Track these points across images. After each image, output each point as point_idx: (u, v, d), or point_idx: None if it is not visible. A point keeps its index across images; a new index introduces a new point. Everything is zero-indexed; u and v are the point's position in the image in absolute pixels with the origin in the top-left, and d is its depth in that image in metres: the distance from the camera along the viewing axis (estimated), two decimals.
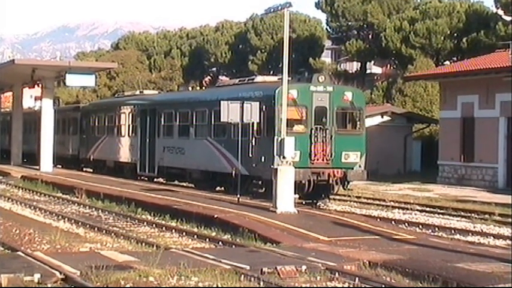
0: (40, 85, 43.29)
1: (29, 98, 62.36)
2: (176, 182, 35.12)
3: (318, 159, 26.53)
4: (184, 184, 34.15)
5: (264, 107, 26.45)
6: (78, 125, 47.12)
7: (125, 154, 39.57)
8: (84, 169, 45.72)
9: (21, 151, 48.48)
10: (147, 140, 36.21)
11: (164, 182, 36.01)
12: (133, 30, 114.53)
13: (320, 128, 26.72)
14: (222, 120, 25.45)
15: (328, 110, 27.10)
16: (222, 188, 30.51)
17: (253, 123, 26.37)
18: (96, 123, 44.20)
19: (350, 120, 28.10)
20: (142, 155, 36.84)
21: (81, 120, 46.86)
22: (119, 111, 41.09)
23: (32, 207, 26.75)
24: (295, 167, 25.00)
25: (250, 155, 27.32)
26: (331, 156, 26.69)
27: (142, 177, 37.42)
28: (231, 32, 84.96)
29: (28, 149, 48.97)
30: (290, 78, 30.24)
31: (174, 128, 34.22)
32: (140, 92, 44.38)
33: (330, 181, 26.73)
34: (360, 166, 27.30)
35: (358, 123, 28.20)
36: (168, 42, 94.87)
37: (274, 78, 30.84)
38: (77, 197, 29.67)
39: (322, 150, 26.56)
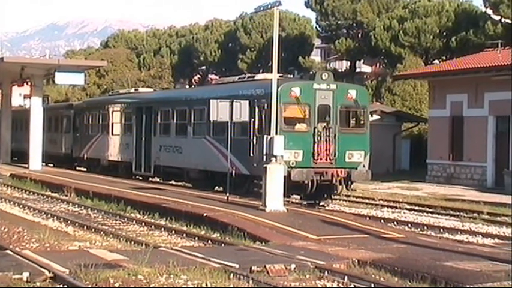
0: (29, 83, 43.15)
1: (18, 96, 62.21)
2: (173, 182, 34.34)
3: (321, 159, 25.68)
4: (181, 184, 33.43)
5: (266, 105, 25.60)
6: (71, 123, 46.45)
7: (119, 153, 38.77)
8: (78, 168, 45.01)
9: (10, 149, 48.33)
10: (143, 139, 35.50)
11: (161, 181, 35.33)
12: (123, 29, 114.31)
13: (323, 126, 25.89)
14: (211, 119, 25.34)
15: (331, 108, 26.29)
16: (221, 188, 29.49)
17: (254, 122, 25.92)
18: (90, 122, 43.27)
19: (354, 118, 27.50)
20: (137, 154, 36.05)
21: (75, 118, 46.10)
22: (113, 109, 40.38)
23: (21, 206, 26.66)
24: (298, 167, 24.80)
25: (252, 154, 26.41)
26: (334, 155, 25.88)
27: (137, 177, 36.72)
28: (221, 31, 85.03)
29: (19, 147, 48.67)
30: (291, 76, 29.87)
31: (171, 127, 33.46)
32: (135, 89, 43.67)
33: (334, 181, 25.89)
34: (363, 166, 26.57)
35: (362, 121, 27.47)
36: (158, 40, 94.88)
37: (276, 76, 30.40)
38: (66, 196, 29.60)
39: (326, 150, 25.76)
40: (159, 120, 34.54)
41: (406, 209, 28.34)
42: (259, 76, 30.71)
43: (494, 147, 38.22)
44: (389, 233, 18.86)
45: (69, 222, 22.27)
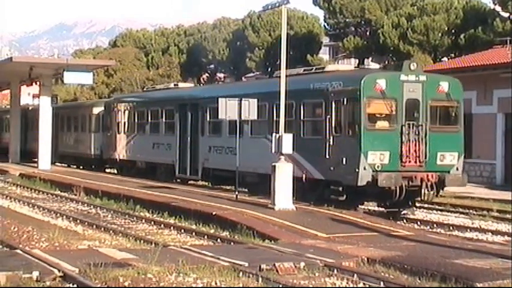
0: (38, 83, 43.26)
1: (27, 95, 62.41)
2: (222, 187, 31.44)
3: (409, 161, 22.83)
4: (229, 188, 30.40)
5: (345, 99, 23.24)
6: (101, 122, 43.71)
7: (159, 154, 35.34)
8: (108, 171, 42.68)
9: (19, 148, 48.41)
10: (188, 139, 32.49)
11: (210, 186, 32.49)
12: (131, 28, 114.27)
13: (412, 124, 23.14)
14: (219, 117, 25.12)
15: (421, 103, 23.37)
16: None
17: (330, 119, 23.63)
18: (124, 120, 39.81)
19: (446, 115, 24.51)
20: (182, 155, 32.99)
21: (105, 116, 42.77)
22: (150, 106, 37.22)
23: (30, 205, 26.76)
24: (384, 171, 22.39)
25: (327, 156, 23.52)
26: (425, 157, 22.99)
27: (179, 180, 33.89)
28: (229, 29, 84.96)
29: (34, 146, 46.28)
30: (369, 66, 27.99)
31: (223, 125, 29.90)
32: (175, 85, 39.81)
33: (423, 187, 22.90)
34: (457, 169, 23.71)
35: (455, 118, 24.56)
36: (166, 39, 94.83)
37: (350, 67, 27.89)
38: (75, 195, 29.68)
39: (415, 151, 22.87)
40: (207, 118, 31.47)
41: (415, 206, 28.24)
42: (330, 67, 27.94)
43: (503, 145, 38.13)
44: (399, 230, 18.85)
45: (78, 221, 22.33)
